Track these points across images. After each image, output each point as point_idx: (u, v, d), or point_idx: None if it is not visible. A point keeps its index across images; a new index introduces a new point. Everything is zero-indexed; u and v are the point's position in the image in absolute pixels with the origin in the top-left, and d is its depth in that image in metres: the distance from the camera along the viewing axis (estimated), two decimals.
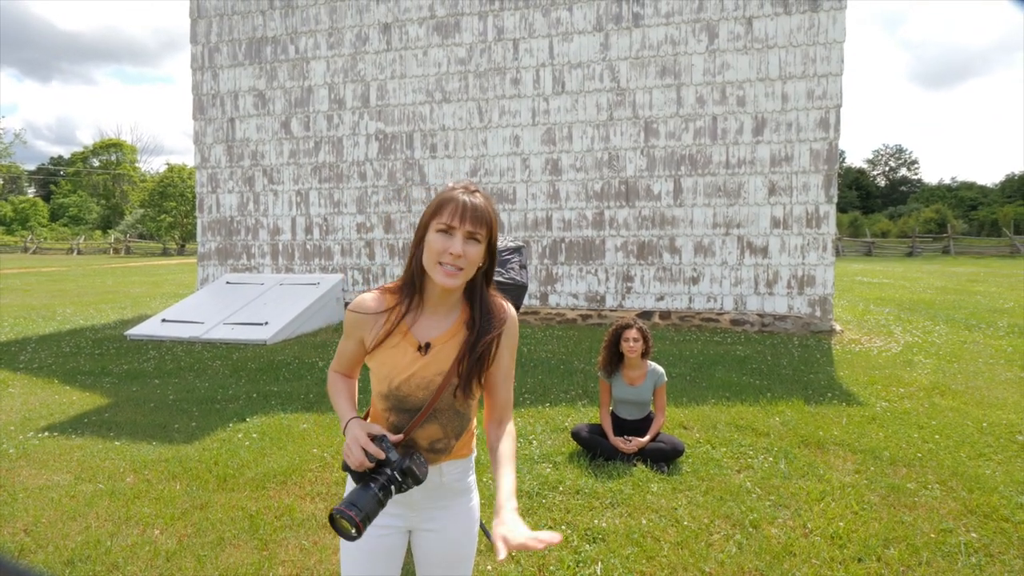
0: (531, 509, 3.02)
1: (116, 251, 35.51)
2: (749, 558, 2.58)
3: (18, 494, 3.26)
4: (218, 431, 4.15)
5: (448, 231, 1.22)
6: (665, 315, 8.22)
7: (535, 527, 2.83)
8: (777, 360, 6.14)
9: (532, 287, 8.63)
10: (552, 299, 8.61)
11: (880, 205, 53.23)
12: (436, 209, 1.24)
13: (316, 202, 9.33)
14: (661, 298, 8.23)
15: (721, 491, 3.19)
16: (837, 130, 7.61)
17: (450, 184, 1.29)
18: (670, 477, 3.36)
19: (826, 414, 4.39)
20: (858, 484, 3.26)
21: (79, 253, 34.13)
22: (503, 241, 2.96)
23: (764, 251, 7.88)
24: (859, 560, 2.55)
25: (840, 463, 3.55)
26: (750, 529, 2.82)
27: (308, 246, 9.42)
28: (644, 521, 2.89)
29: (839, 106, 7.58)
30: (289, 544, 2.74)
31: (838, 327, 7.84)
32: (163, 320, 7.88)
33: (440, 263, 1.22)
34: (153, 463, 3.64)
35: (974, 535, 2.74)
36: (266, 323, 7.48)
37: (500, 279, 2.78)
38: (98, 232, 44.63)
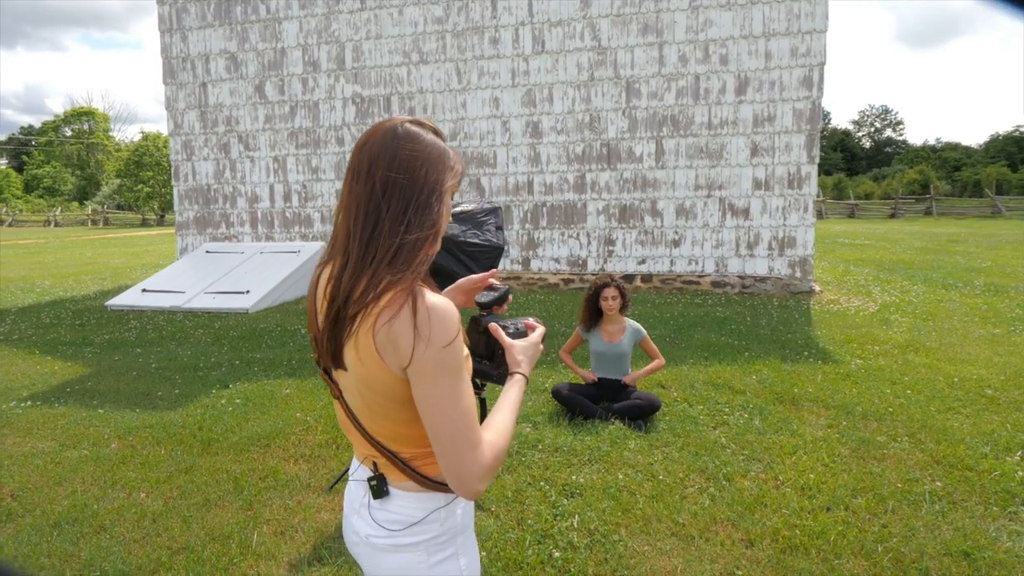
0: (510, 467, 3.08)
1: (94, 222, 34.74)
2: (722, 509, 2.67)
3: (3, 461, 3.26)
4: (201, 397, 4.16)
5: (452, 194, 1.00)
6: (647, 278, 8.28)
7: (515, 484, 2.90)
8: (756, 321, 6.24)
9: (514, 252, 8.62)
10: (534, 264, 8.61)
11: (865, 167, 53.43)
12: (450, 163, 0.98)
13: (294, 168, 9.15)
14: (643, 261, 8.27)
15: (696, 447, 3.28)
16: (820, 89, 7.56)
17: (406, 125, 0.97)
18: (647, 434, 3.44)
19: (802, 372, 4.49)
20: (830, 438, 3.36)
21: (56, 225, 33.35)
22: (478, 203, 2.94)
23: (746, 213, 7.90)
24: (827, 509, 2.65)
25: (813, 418, 3.66)
26: (723, 482, 2.91)
27: (287, 214, 9.28)
28: (621, 476, 2.97)
29: (823, 64, 7.51)
30: (273, 504, 2.78)
31: (817, 288, 7.95)
32: (143, 290, 7.78)
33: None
34: (137, 429, 3.65)
35: (939, 484, 2.85)
36: (247, 292, 7.42)
37: (475, 240, 2.77)
38: (75, 203, 43.53)
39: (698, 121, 7.89)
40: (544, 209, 8.47)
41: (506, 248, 2.99)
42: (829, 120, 57.82)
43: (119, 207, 40.49)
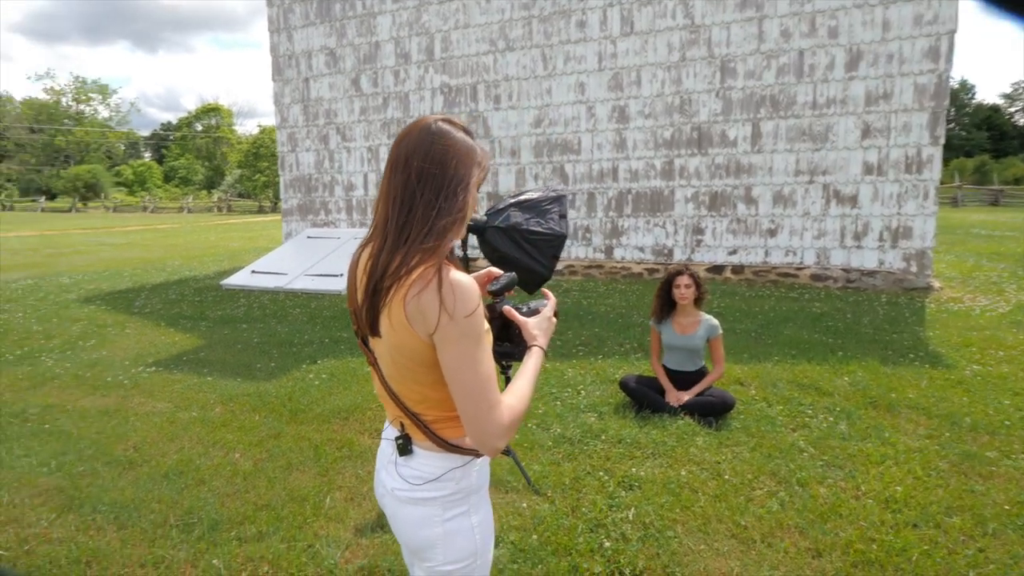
0: (571, 455, 3.09)
1: (219, 209, 38.47)
2: (790, 515, 2.52)
3: (130, 418, 3.74)
4: (293, 371, 4.52)
5: (479, 186, 1.10)
6: (738, 269, 7.85)
7: (573, 472, 2.91)
8: (858, 318, 5.74)
9: (597, 240, 8.50)
10: (617, 252, 8.45)
11: (1017, 147, 46.72)
12: (477, 159, 1.07)
13: (385, 157, 9.55)
14: (734, 252, 7.85)
15: (770, 448, 3.10)
16: (949, 60, 6.72)
17: (439, 123, 1.06)
18: (717, 432, 3.30)
19: (903, 376, 4.09)
20: (927, 449, 3.05)
21: (189, 211, 37.29)
22: (542, 191, 2.94)
23: (853, 200, 7.25)
24: (914, 526, 2.42)
25: (910, 427, 3.33)
26: (796, 487, 2.73)
27: None
28: (684, 472, 2.88)
29: (953, 32, 6.67)
30: (346, 472, 2.99)
31: (937, 284, 7.16)
32: (252, 271, 8.54)
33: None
34: (238, 397, 4.04)
35: None
36: (341, 275, 7.91)
37: (538, 229, 2.78)
38: (204, 192, 48.43)
39: (801, 101, 7.32)
40: (629, 196, 8.26)
41: (569, 236, 2.96)
42: (973, 95, 51.06)
43: (240, 195, 44.48)
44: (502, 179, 8.86)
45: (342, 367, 4.56)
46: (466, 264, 2.93)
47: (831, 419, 3.43)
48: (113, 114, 58.76)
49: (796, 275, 7.59)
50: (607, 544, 2.34)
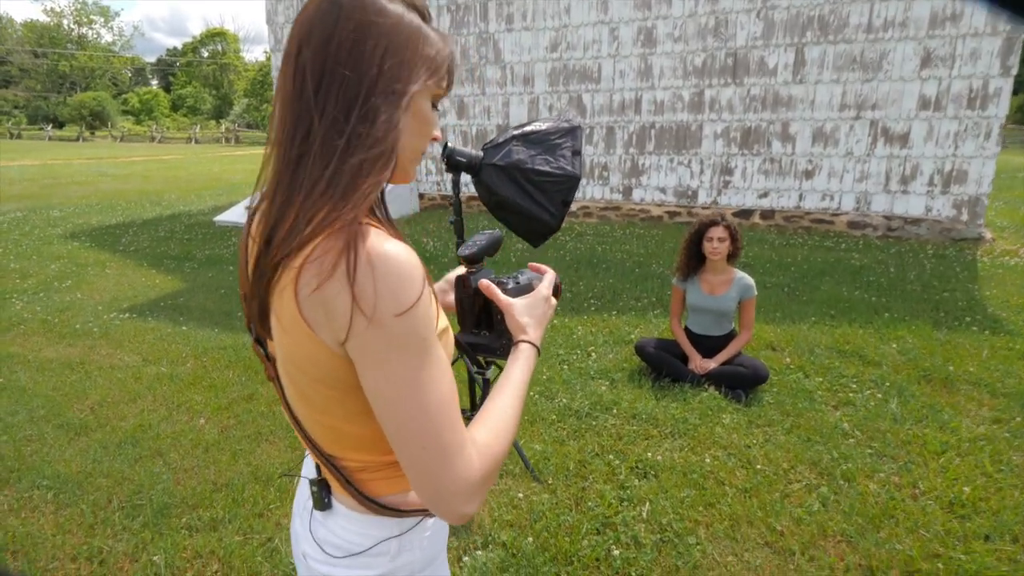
0: (578, 431, 2.69)
1: (227, 140, 37.56)
2: (835, 518, 2.12)
3: (93, 372, 3.41)
4: None
5: (438, 100, 0.72)
6: (768, 214, 7.22)
7: (579, 454, 2.52)
8: (903, 273, 5.18)
9: (615, 179, 7.86)
10: (636, 193, 7.82)
11: None
12: (426, 51, 0.67)
13: None
14: (765, 194, 7.19)
15: (809, 430, 2.68)
16: None
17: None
18: (747, 408, 2.88)
19: (961, 343, 3.59)
20: (995, 437, 2.60)
21: (196, 142, 36.48)
22: (553, 121, 2.38)
23: (904, 139, 6.50)
24: (986, 538, 2.01)
25: (973, 408, 2.87)
26: (840, 481, 2.32)
27: None
28: (708, 459, 2.48)
29: None
30: None
31: (988, 235, 6.50)
32: (246, 208, 8.05)
33: (423, 152, 0.75)
34: (213, 350, 3.68)
35: None
36: None
37: (545, 168, 2.25)
38: (212, 122, 47.32)
39: (854, 23, 6.43)
40: (652, 131, 7.54)
41: (583, 178, 2.43)
42: None
43: (248, 125, 43.40)
44: (513, 110, 8.14)
45: None
46: (458, 211, 2.42)
47: (879, 395, 2.98)
48: (116, 38, 56.90)
49: (831, 222, 6.95)
50: (616, 552, 1.97)
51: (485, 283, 0.85)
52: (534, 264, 0.93)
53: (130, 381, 3.30)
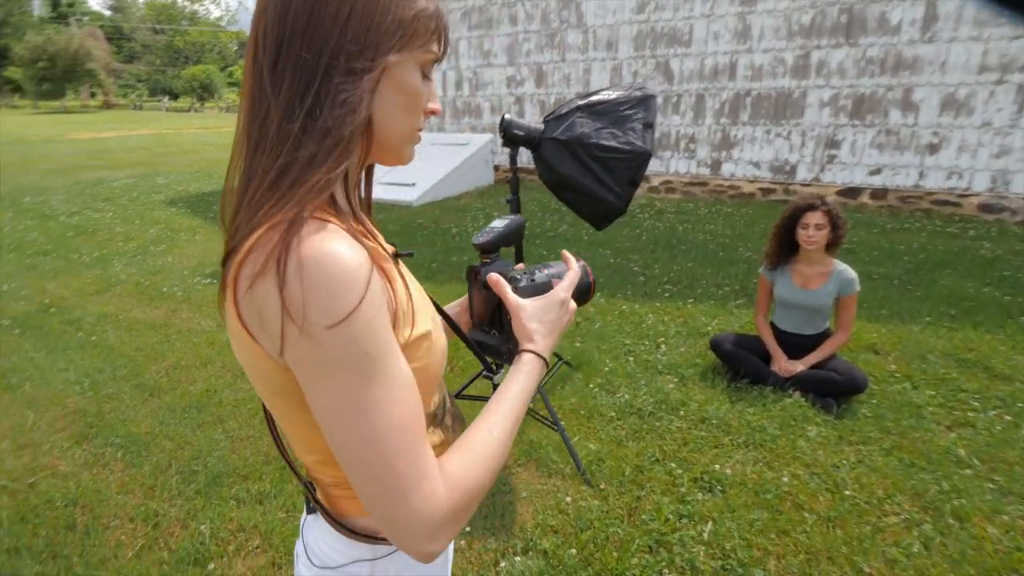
0: (638, 432, 2.47)
1: None
2: (939, 564, 1.79)
3: (172, 335, 3.58)
4: None
5: (429, 68, 0.64)
6: (879, 194, 6.43)
7: (638, 458, 2.31)
8: None
9: (702, 152, 7.29)
10: (726, 168, 7.22)
11: None
12: (402, 15, 0.57)
13: (466, 53, 8.65)
14: (877, 171, 6.40)
15: (914, 453, 2.30)
16: None
17: None
18: (838, 420, 2.52)
19: None
20: None
21: None
22: (624, 89, 2.11)
23: None
24: None
25: None
26: (950, 520, 1.97)
27: (458, 103, 8.97)
28: (787, 477, 2.19)
29: None
30: None
31: None
32: None
33: (419, 129, 0.66)
34: None
35: None
36: (414, 184, 7.44)
37: (610, 143, 2.00)
38: None
39: None
40: (747, 99, 6.88)
41: (654, 153, 2.15)
42: None
43: None
44: (595, 77, 7.72)
45: None
46: (515, 189, 2.23)
47: (1008, 417, 2.51)
48: (224, 13, 60.54)
49: (958, 204, 6.07)
50: None
51: (494, 278, 0.76)
52: (566, 253, 0.83)
53: (203, 346, 3.43)
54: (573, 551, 1.87)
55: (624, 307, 3.79)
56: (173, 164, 11.80)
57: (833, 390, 2.61)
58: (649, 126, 2.02)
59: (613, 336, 3.37)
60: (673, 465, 2.26)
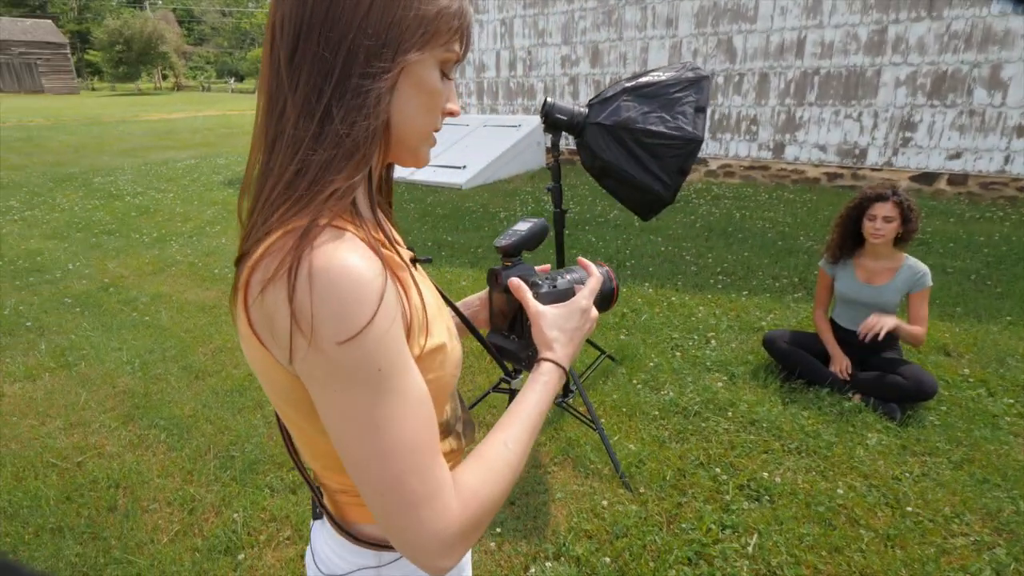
0: (682, 433, 2.36)
1: None
2: None
3: (220, 317, 3.68)
4: None
5: (450, 67, 0.61)
6: (958, 179, 5.92)
7: (680, 461, 2.20)
8: None
9: (765, 135, 6.91)
10: (790, 151, 6.81)
11: None
12: (426, 11, 0.55)
13: (520, 32, 8.47)
14: (957, 155, 5.88)
15: (988, 468, 2.10)
16: None
17: None
18: (902, 428, 2.33)
19: None
20: None
21: None
22: (675, 69, 1.96)
23: None
24: None
25: None
26: None
27: (512, 84, 8.82)
28: (842, 488, 2.03)
29: None
30: None
31: None
32: None
33: (436, 130, 0.63)
34: None
35: None
36: (464, 167, 7.38)
37: (658, 129, 1.86)
38: None
39: None
40: (815, 78, 6.45)
41: (705, 140, 1.99)
42: None
43: None
44: (652, 56, 7.41)
45: (436, 278, 4.11)
46: (556, 177, 2.12)
47: None
48: None
49: None
50: None
51: (515, 282, 0.74)
52: (583, 260, 0.81)
53: None
54: (607, 559, 1.79)
55: (673, 298, 3.63)
56: (235, 145, 12.19)
57: (898, 395, 2.41)
58: (701, 110, 1.87)
59: (660, 329, 3.23)
60: (718, 470, 2.14)
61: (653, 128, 1.85)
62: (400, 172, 7.86)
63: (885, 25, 5.94)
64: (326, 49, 0.52)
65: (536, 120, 8.15)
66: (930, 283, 2.45)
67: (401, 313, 0.55)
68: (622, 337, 3.16)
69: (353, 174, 0.54)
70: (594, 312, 0.75)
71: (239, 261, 0.55)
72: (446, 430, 0.68)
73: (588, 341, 2.62)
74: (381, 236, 0.59)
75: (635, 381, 2.74)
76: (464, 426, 0.74)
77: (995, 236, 4.61)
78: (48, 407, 2.73)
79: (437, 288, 0.72)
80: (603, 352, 2.88)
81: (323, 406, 0.53)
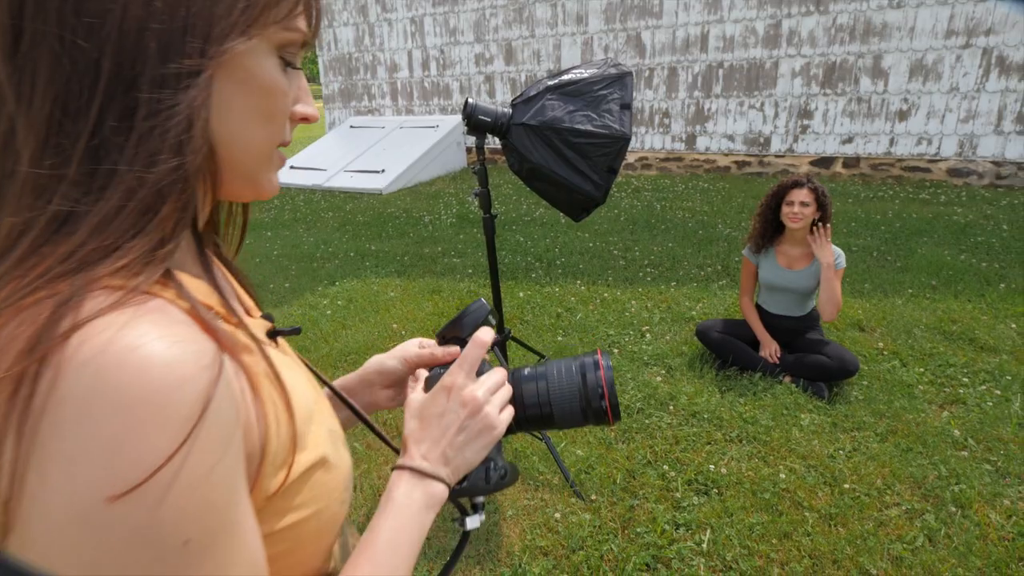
0: (628, 433, 2.35)
1: None
2: (946, 559, 1.71)
3: None
4: (307, 295, 3.94)
5: (294, 54, 0.41)
6: (852, 162, 6.39)
7: (629, 462, 2.18)
8: (1018, 231, 4.42)
9: (677, 127, 7.15)
10: (700, 142, 7.10)
11: None
12: None
13: (431, 31, 8.30)
14: (849, 140, 6.35)
15: (909, 437, 2.23)
16: None
17: None
18: (831, 406, 2.44)
19: None
20: None
21: None
22: (597, 66, 1.93)
23: (1023, 70, 5.49)
24: None
25: None
26: (952, 508, 1.89)
27: (426, 84, 8.64)
28: (783, 473, 2.09)
29: None
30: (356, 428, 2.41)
31: None
32: (291, 167, 7.92)
33: (283, 143, 0.43)
34: None
35: None
36: (383, 171, 7.15)
37: (585, 128, 1.82)
38: None
39: None
40: (719, 71, 6.74)
41: (634, 136, 1.98)
42: None
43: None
44: (565, 53, 7.48)
45: (362, 290, 3.93)
46: (483, 181, 2.04)
47: (997, 392, 2.46)
48: None
49: (928, 169, 6.07)
50: None
51: (418, 373, 0.60)
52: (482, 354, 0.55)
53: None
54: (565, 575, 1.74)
55: (606, 294, 3.65)
56: None
57: (824, 375, 2.53)
58: (627, 107, 1.84)
59: (596, 327, 3.23)
60: (666, 467, 2.15)
61: (580, 127, 1.81)
62: (315, 179, 7.50)
63: (779, 19, 6.30)
64: (78, 35, 0.32)
65: (454, 119, 8.03)
66: (844, 264, 2.58)
67: (242, 429, 0.36)
68: (559, 339, 3.14)
69: (154, 237, 0.34)
70: (472, 394, 0.51)
71: None
72: None
73: (527, 347, 2.55)
74: (216, 301, 0.40)
75: None
76: None
77: (888, 214, 4.99)
78: None
79: (311, 368, 0.51)
80: (542, 356, 2.83)
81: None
